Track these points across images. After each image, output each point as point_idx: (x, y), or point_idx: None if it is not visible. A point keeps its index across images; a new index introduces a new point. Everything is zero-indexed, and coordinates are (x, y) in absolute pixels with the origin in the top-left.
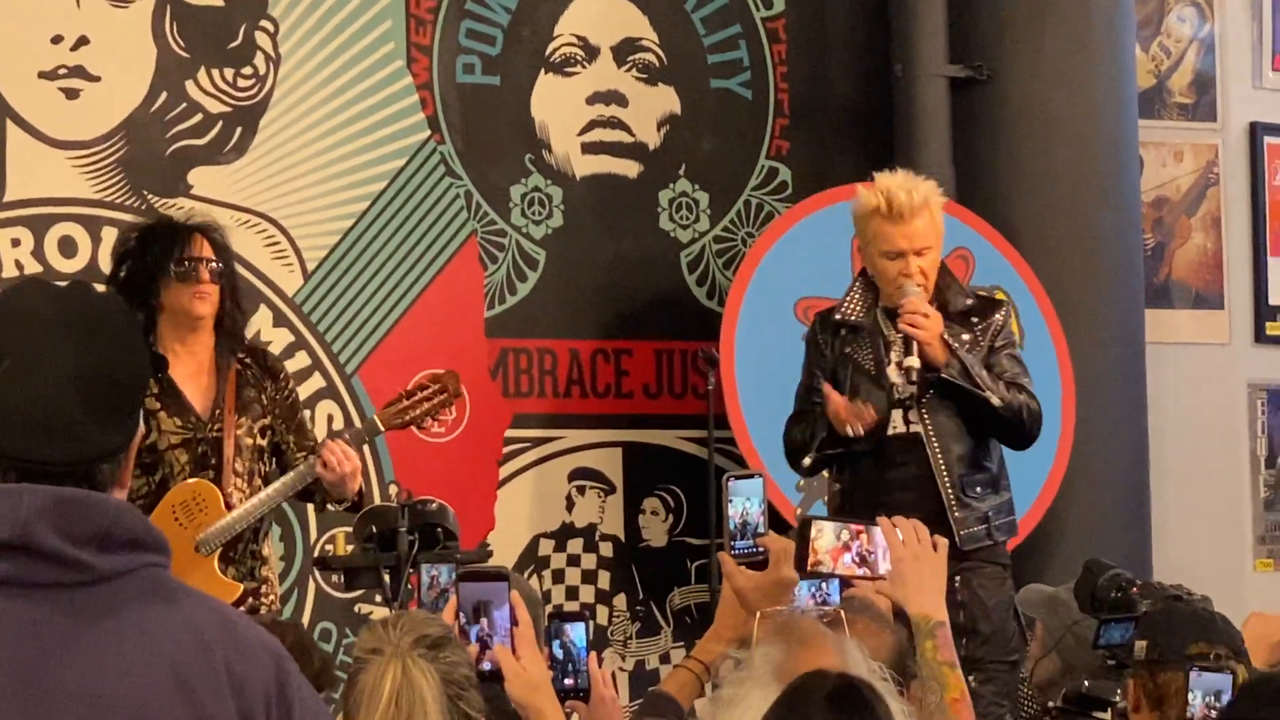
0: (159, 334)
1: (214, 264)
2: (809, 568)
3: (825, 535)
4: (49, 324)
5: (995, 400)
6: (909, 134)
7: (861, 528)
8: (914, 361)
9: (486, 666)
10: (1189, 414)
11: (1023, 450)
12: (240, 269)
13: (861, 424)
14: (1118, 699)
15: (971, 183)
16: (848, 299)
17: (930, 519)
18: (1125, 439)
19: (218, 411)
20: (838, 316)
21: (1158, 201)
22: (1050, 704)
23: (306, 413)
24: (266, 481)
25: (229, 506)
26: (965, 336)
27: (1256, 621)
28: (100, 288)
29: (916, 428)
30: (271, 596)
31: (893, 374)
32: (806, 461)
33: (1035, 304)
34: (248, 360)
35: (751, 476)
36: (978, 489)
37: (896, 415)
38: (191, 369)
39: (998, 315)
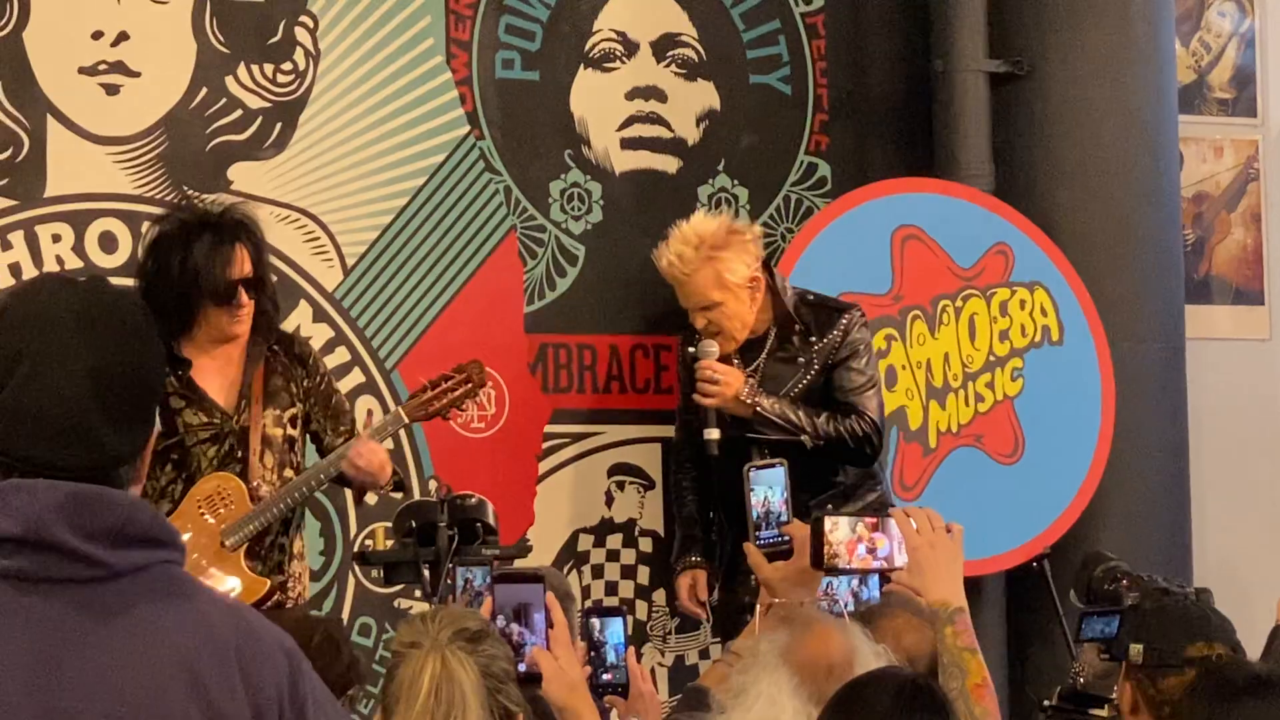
0: (192, 337)
1: (250, 279)
2: (826, 563)
3: (840, 529)
4: (66, 325)
5: (808, 440)
6: (948, 129)
7: (875, 521)
8: (713, 434)
9: (522, 669)
10: (1229, 410)
11: (867, 466)
12: (280, 264)
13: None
14: (1114, 695)
15: (1011, 177)
16: (697, 335)
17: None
18: (1165, 436)
19: (243, 403)
20: (691, 350)
21: (1198, 197)
22: (1045, 702)
23: (343, 396)
24: (299, 472)
25: (255, 499)
26: (800, 359)
27: None
28: (117, 284)
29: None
30: (299, 589)
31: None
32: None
33: (1075, 299)
34: (276, 349)
35: (772, 465)
36: (827, 506)
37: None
38: (220, 362)
39: (836, 330)
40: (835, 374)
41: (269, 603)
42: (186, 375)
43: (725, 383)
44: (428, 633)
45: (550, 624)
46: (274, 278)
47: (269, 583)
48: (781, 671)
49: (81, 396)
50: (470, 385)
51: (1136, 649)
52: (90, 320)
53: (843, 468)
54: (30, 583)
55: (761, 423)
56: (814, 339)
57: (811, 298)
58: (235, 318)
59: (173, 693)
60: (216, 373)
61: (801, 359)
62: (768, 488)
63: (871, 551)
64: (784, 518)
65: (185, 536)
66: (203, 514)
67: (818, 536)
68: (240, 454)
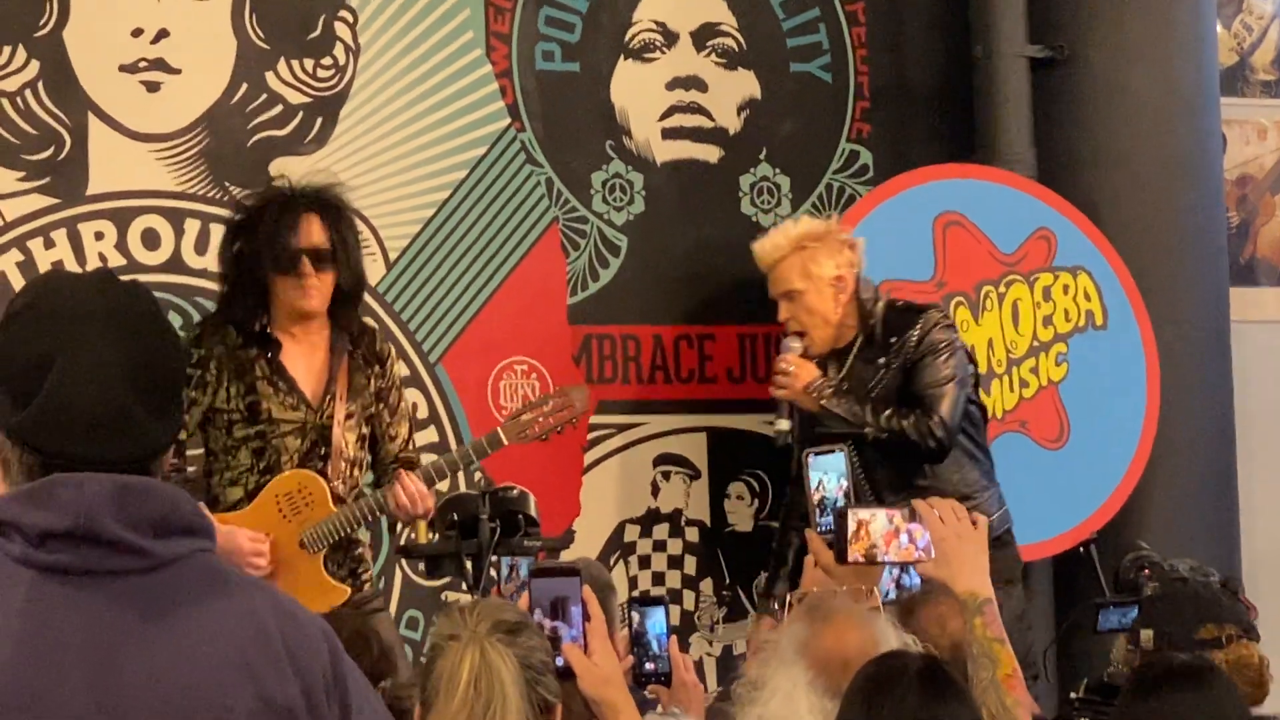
0: (273, 316)
1: (321, 249)
2: (864, 556)
3: (878, 521)
4: (95, 319)
5: (869, 433)
6: (989, 114)
7: (897, 510)
8: (782, 425)
9: (559, 662)
10: (1276, 392)
11: (937, 461)
12: None
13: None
14: None
15: (1052, 162)
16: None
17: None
18: (1210, 418)
19: (329, 398)
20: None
21: (1241, 180)
22: (1072, 694)
23: (408, 405)
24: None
25: (338, 501)
26: (880, 360)
27: None
28: (127, 278)
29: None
30: (367, 574)
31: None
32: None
33: (1119, 283)
34: (359, 345)
35: (831, 451)
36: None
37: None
38: (305, 349)
39: (913, 330)
40: (913, 372)
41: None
42: (277, 359)
43: (796, 375)
44: (466, 625)
45: (587, 617)
46: (361, 256)
47: (347, 591)
48: (798, 665)
49: (119, 389)
50: (569, 413)
51: (1147, 635)
52: (115, 313)
53: (930, 469)
54: (79, 576)
55: (827, 416)
56: (893, 339)
57: (899, 303)
58: (302, 290)
59: (226, 682)
60: (303, 360)
61: (881, 359)
62: (824, 474)
63: (913, 542)
64: (839, 504)
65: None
66: (281, 512)
67: (840, 532)
68: (323, 451)
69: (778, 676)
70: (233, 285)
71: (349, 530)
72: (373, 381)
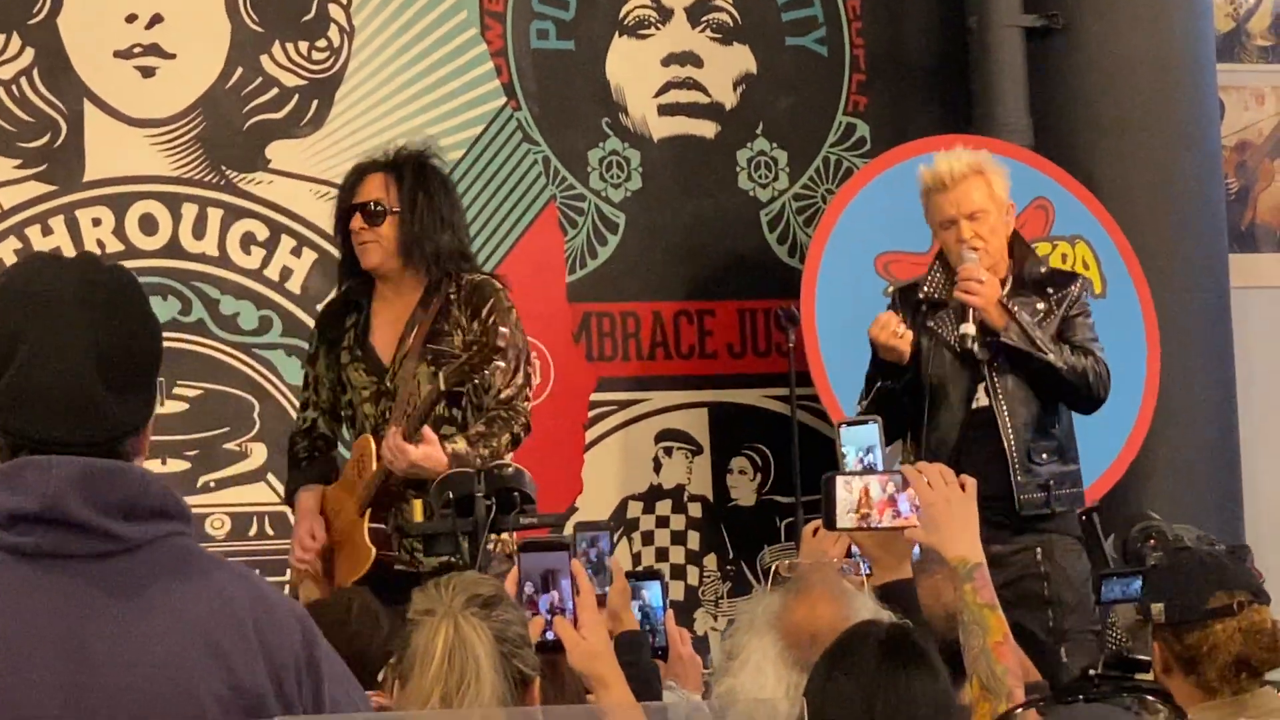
0: (368, 281)
1: (373, 205)
2: (854, 524)
3: (874, 488)
4: (65, 303)
5: (1057, 362)
6: (985, 85)
7: (888, 476)
8: (969, 329)
9: (550, 637)
10: (1277, 357)
11: (1090, 413)
12: (320, 241)
13: (899, 342)
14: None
15: (1049, 132)
16: (929, 277)
17: (997, 486)
18: (1211, 385)
19: (400, 357)
20: (920, 294)
21: (1240, 145)
22: (1091, 671)
23: (502, 363)
24: (461, 428)
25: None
26: (1040, 305)
27: None
28: (116, 263)
29: (989, 400)
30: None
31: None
32: (860, 406)
33: (1117, 252)
34: (455, 296)
35: (865, 422)
36: (1043, 455)
37: (980, 389)
38: (398, 311)
39: (1073, 286)
40: (1069, 326)
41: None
42: (365, 323)
43: (990, 283)
44: (441, 600)
45: (577, 591)
46: (452, 214)
47: (372, 553)
48: (769, 636)
49: (85, 372)
50: (485, 350)
51: (1158, 609)
52: (86, 297)
53: (1058, 424)
54: (48, 559)
55: (1012, 335)
56: (1050, 290)
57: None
58: (358, 245)
59: (194, 664)
60: (391, 324)
61: (1041, 304)
62: (861, 448)
63: (914, 508)
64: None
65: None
66: (351, 479)
67: (829, 499)
68: (389, 413)
69: (750, 647)
70: (341, 257)
71: (374, 490)
72: (460, 335)
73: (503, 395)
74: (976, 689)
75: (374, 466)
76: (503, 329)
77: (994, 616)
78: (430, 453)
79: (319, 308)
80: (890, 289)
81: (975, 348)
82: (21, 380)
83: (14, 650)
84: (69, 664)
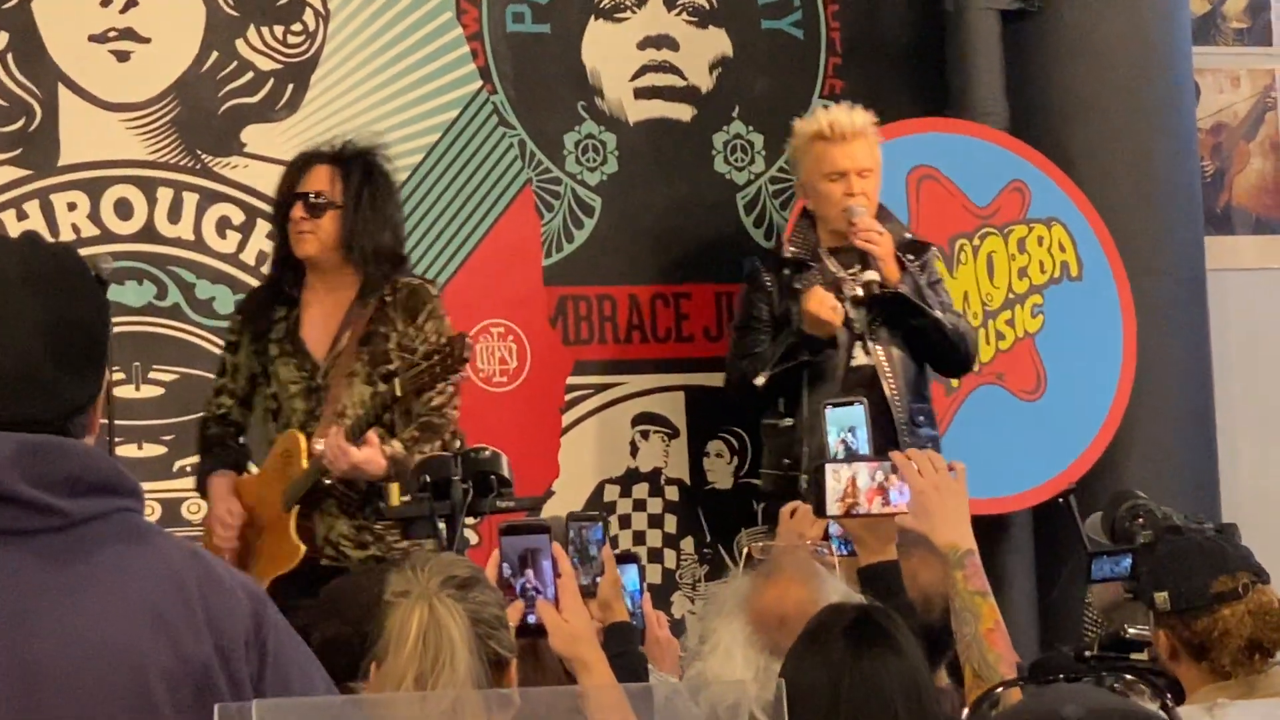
0: (304, 272)
1: (317, 197)
2: (843, 510)
3: (860, 477)
4: (11, 280)
5: (944, 320)
6: (961, 68)
7: (877, 464)
8: (874, 275)
9: (532, 620)
10: (1253, 340)
11: (958, 375)
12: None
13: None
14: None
15: (1025, 114)
16: (793, 237)
17: (882, 445)
18: (1188, 367)
19: (335, 357)
20: (786, 254)
21: (1216, 128)
22: (1087, 652)
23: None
24: (391, 430)
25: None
26: (905, 269)
27: None
28: (54, 241)
29: (870, 361)
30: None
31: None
32: (760, 380)
33: (1093, 234)
34: (391, 298)
35: (851, 404)
36: (920, 418)
37: (857, 348)
38: (329, 307)
39: (929, 254)
40: (932, 291)
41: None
42: (295, 318)
43: (886, 236)
44: (417, 581)
45: (558, 574)
46: (392, 214)
47: (301, 551)
48: (738, 620)
49: (33, 349)
50: (450, 363)
51: (1162, 597)
52: (33, 275)
53: (928, 388)
54: None
55: (906, 288)
56: (911, 258)
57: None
58: (295, 234)
59: (140, 639)
60: (323, 320)
61: (906, 268)
62: (845, 429)
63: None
64: (838, 456)
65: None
66: (276, 473)
67: (819, 486)
68: (320, 412)
69: (720, 631)
70: (275, 245)
71: (302, 490)
72: (395, 338)
73: (434, 403)
74: (970, 676)
75: (304, 463)
76: (438, 335)
77: (985, 604)
78: (372, 456)
79: (236, 298)
80: (752, 259)
81: (877, 293)
82: None
83: None
84: (14, 640)
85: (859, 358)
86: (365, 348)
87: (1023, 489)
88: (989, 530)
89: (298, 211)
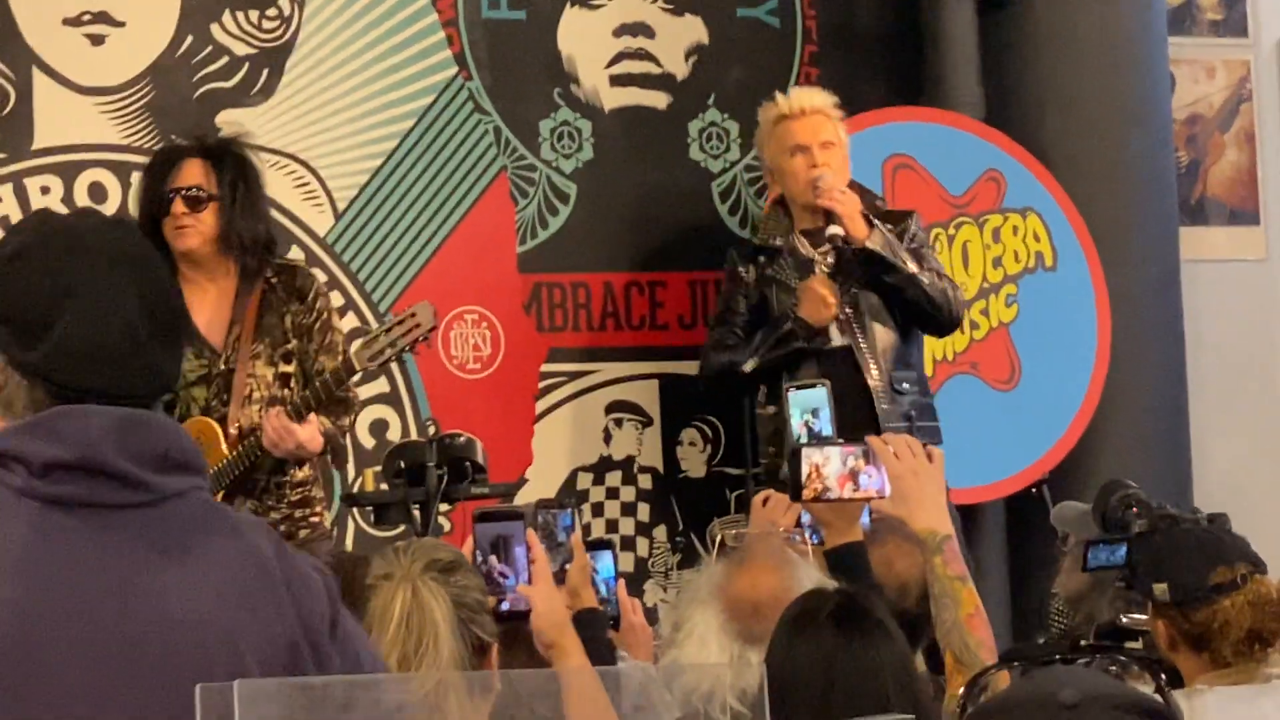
0: (176, 265)
1: (194, 190)
2: (813, 495)
3: (832, 462)
4: (110, 257)
5: (920, 275)
6: (937, 57)
7: (853, 449)
8: (838, 229)
9: (505, 607)
10: (1227, 331)
11: (943, 335)
12: (271, 210)
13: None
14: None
15: (1000, 104)
16: (764, 224)
17: (856, 418)
18: (1161, 358)
19: (233, 341)
20: (756, 241)
21: (1191, 119)
22: (1082, 641)
23: (342, 336)
24: (296, 407)
25: (234, 445)
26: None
27: None
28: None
29: (847, 339)
30: (316, 517)
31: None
32: (748, 367)
33: (1068, 224)
34: (275, 281)
35: (814, 386)
36: (904, 384)
37: (833, 329)
38: (213, 296)
39: (909, 221)
40: (913, 256)
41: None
42: None
43: (851, 197)
44: (400, 564)
45: (531, 560)
46: (262, 203)
47: None
48: (712, 608)
49: (137, 325)
50: (418, 330)
51: (1161, 588)
52: (121, 250)
53: (917, 355)
54: (82, 508)
55: (876, 243)
56: (890, 226)
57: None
58: (173, 227)
59: (231, 616)
60: (208, 308)
61: (874, 225)
62: (809, 411)
63: (870, 481)
64: (801, 440)
65: None
66: None
67: (795, 470)
68: (225, 397)
69: (693, 619)
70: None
71: (234, 474)
72: (289, 318)
73: (328, 375)
74: (950, 662)
75: (223, 449)
76: (334, 316)
77: (965, 589)
78: (314, 434)
79: None
80: (729, 250)
81: (844, 247)
82: (77, 335)
83: (55, 600)
84: (111, 614)
85: (836, 338)
86: (262, 332)
87: (996, 479)
88: (962, 519)
89: (178, 207)
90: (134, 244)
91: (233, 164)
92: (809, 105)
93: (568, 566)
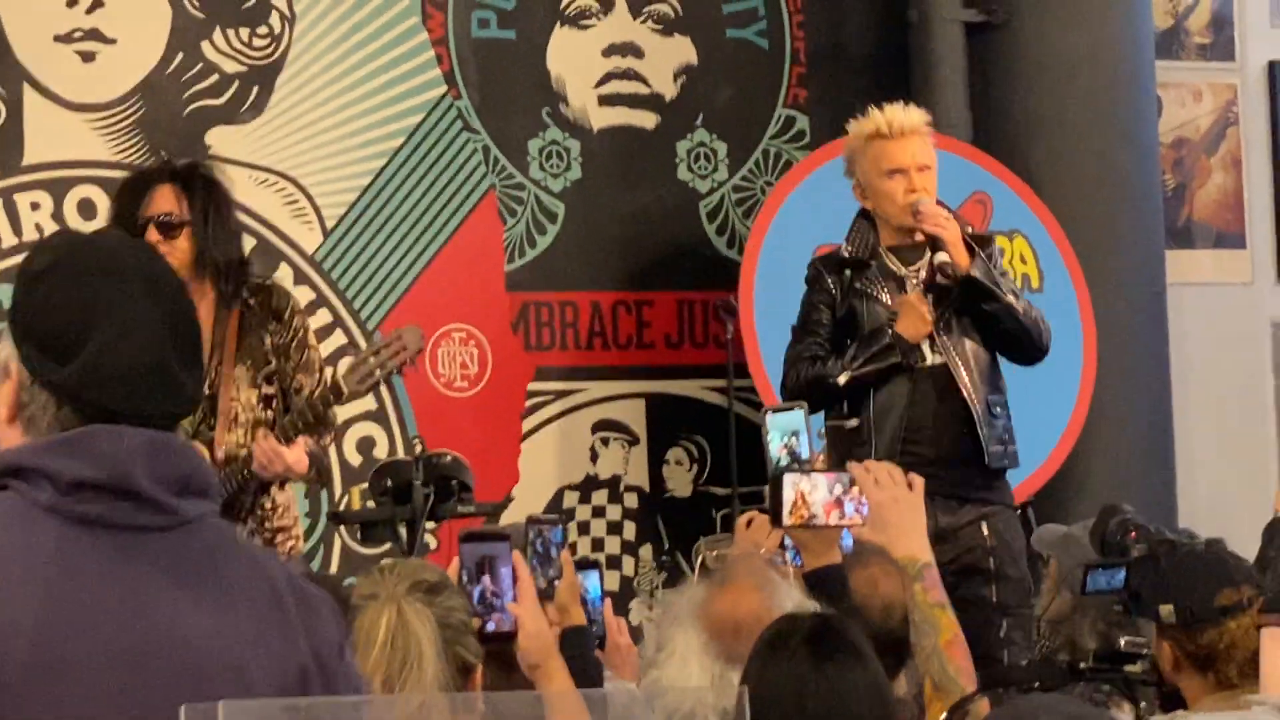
0: None
1: (168, 216)
2: (799, 521)
3: (819, 490)
4: (131, 277)
5: (1017, 304)
6: (925, 79)
7: (835, 476)
8: (945, 257)
9: (490, 627)
10: (1212, 354)
11: (1033, 364)
12: (259, 227)
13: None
14: (1145, 650)
15: (988, 127)
16: (851, 237)
17: (952, 448)
18: (1147, 380)
19: (216, 364)
20: (844, 254)
21: (1177, 142)
22: (1081, 664)
23: (320, 357)
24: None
25: (223, 464)
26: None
27: None
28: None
29: (942, 359)
30: (290, 544)
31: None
32: (843, 380)
33: (1055, 247)
34: (252, 302)
35: (791, 409)
36: (997, 409)
37: (925, 346)
38: None
39: (994, 246)
40: (1000, 277)
41: None
42: None
43: (954, 222)
44: (385, 584)
45: (516, 580)
46: (234, 224)
47: None
48: (693, 628)
49: (162, 345)
50: (405, 353)
51: (1167, 610)
52: (146, 272)
53: (1002, 378)
54: (105, 529)
55: (978, 271)
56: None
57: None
58: None
59: (242, 642)
60: None
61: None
62: (789, 434)
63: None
64: (782, 464)
65: None
66: None
67: (776, 495)
68: (211, 421)
69: (675, 639)
70: None
71: (221, 496)
72: (269, 338)
73: (316, 394)
74: (929, 688)
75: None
76: (311, 334)
77: (944, 616)
78: (301, 455)
79: None
80: (813, 261)
81: (953, 274)
82: (107, 355)
83: (77, 618)
84: (130, 636)
85: (930, 357)
86: (243, 354)
87: None
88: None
89: (152, 235)
90: (158, 264)
91: (203, 187)
92: (907, 126)
93: (557, 583)
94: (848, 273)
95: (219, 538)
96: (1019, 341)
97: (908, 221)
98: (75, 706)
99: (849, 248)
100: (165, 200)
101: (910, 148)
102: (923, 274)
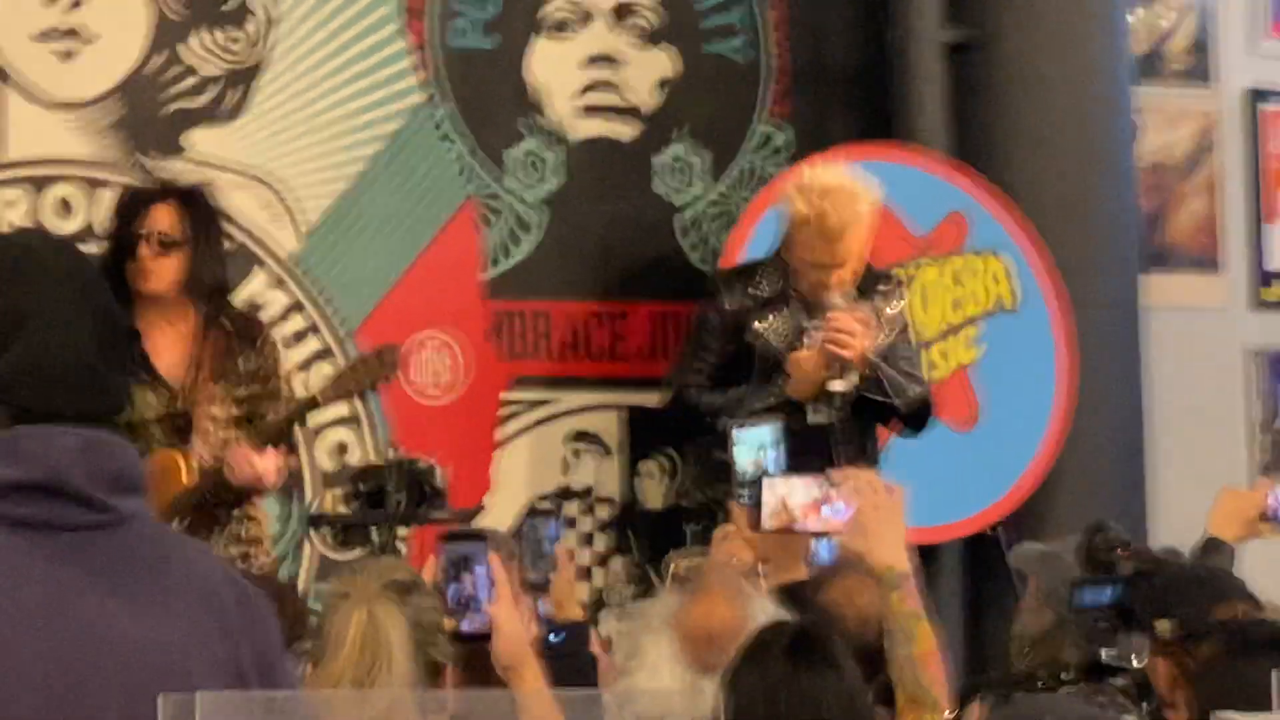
0: (136, 306)
1: (164, 235)
2: (779, 526)
3: (797, 492)
4: (59, 278)
5: (903, 408)
6: (905, 97)
7: (814, 480)
8: (839, 385)
9: (465, 627)
10: (1186, 378)
11: (917, 435)
12: (236, 230)
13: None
14: (1130, 664)
15: (968, 145)
16: (762, 270)
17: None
18: (1122, 403)
19: (194, 380)
20: (751, 291)
21: (1155, 166)
22: (1063, 675)
23: (286, 381)
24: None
25: (202, 474)
26: (877, 301)
27: (1228, 498)
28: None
29: (824, 419)
30: (262, 557)
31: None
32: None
33: (1032, 267)
34: (230, 328)
35: (759, 425)
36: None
37: (809, 408)
38: (171, 339)
39: (897, 294)
40: (896, 342)
41: None
42: (139, 350)
43: (863, 335)
44: (357, 584)
45: (493, 582)
46: (224, 250)
47: None
48: (665, 637)
49: (89, 346)
50: (381, 370)
51: (1164, 625)
52: (73, 272)
53: (873, 439)
54: (43, 529)
55: (871, 390)
56: (882, 287)
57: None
58: (140, 270)
59: (180, 640)
60: (168, 348)
61: (877, 301)
62: (756, 448)
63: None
64: (751, 475)
65: None
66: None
67: (756, 499)
68: (187, 436)
69: (647, 647)
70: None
71: (193, 503)
72: (243, 363)
73: (290, 411)
74: (902, 699)
75: (184, 480)
76: (280, 365)
77: (920, 626)
78: (270, 467)
79: None
80: (717, 272)
81: (840, 405)
82: (32, 354)
83: (8, 620)
84: (63, 637)
85: (812, 416)
86: (220, 374)
87: (954, 519)
88: (920, 559)
89: (146, 251)
90: (83, 265)
91: (202, 211)
92: (838, 229)
93: (552, 576)
94: (751, 293)
95: (157, 535)
96: (898, 425)
97: (819, 299)
98: (12, 710)
99: (757, 289)
100: (165, 218)
101: (835, 250)
102: (819, 336)
